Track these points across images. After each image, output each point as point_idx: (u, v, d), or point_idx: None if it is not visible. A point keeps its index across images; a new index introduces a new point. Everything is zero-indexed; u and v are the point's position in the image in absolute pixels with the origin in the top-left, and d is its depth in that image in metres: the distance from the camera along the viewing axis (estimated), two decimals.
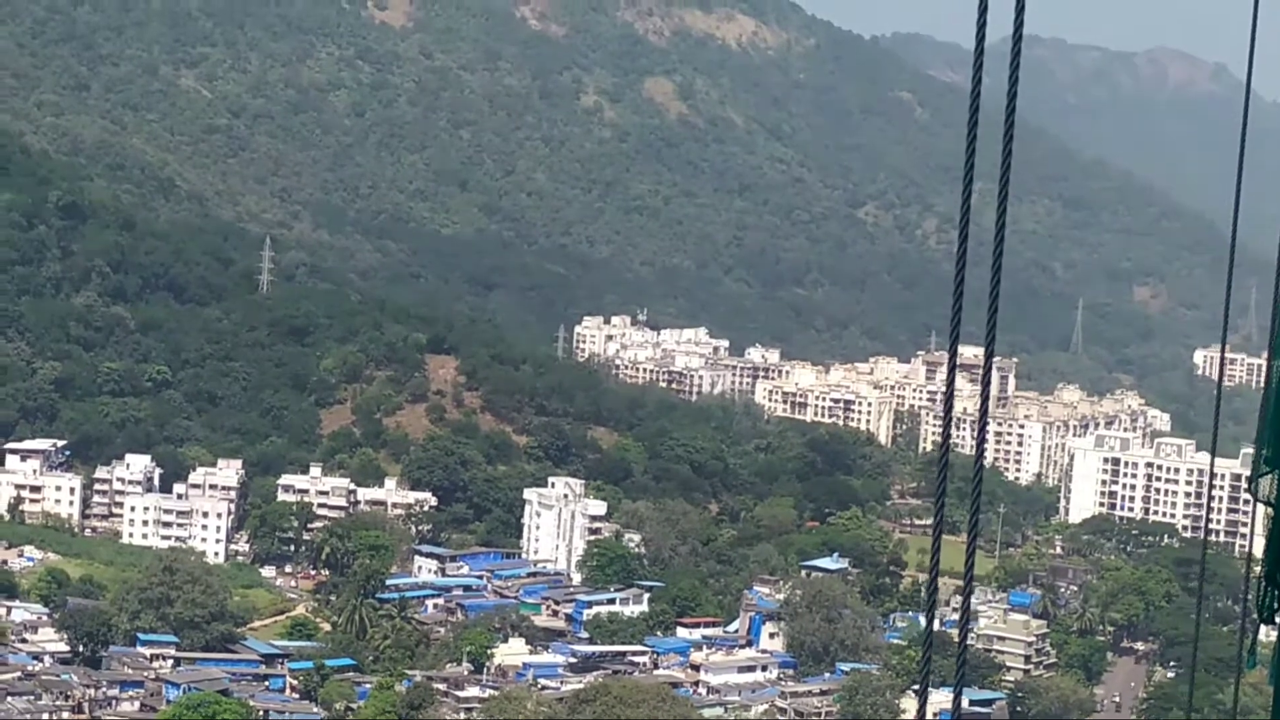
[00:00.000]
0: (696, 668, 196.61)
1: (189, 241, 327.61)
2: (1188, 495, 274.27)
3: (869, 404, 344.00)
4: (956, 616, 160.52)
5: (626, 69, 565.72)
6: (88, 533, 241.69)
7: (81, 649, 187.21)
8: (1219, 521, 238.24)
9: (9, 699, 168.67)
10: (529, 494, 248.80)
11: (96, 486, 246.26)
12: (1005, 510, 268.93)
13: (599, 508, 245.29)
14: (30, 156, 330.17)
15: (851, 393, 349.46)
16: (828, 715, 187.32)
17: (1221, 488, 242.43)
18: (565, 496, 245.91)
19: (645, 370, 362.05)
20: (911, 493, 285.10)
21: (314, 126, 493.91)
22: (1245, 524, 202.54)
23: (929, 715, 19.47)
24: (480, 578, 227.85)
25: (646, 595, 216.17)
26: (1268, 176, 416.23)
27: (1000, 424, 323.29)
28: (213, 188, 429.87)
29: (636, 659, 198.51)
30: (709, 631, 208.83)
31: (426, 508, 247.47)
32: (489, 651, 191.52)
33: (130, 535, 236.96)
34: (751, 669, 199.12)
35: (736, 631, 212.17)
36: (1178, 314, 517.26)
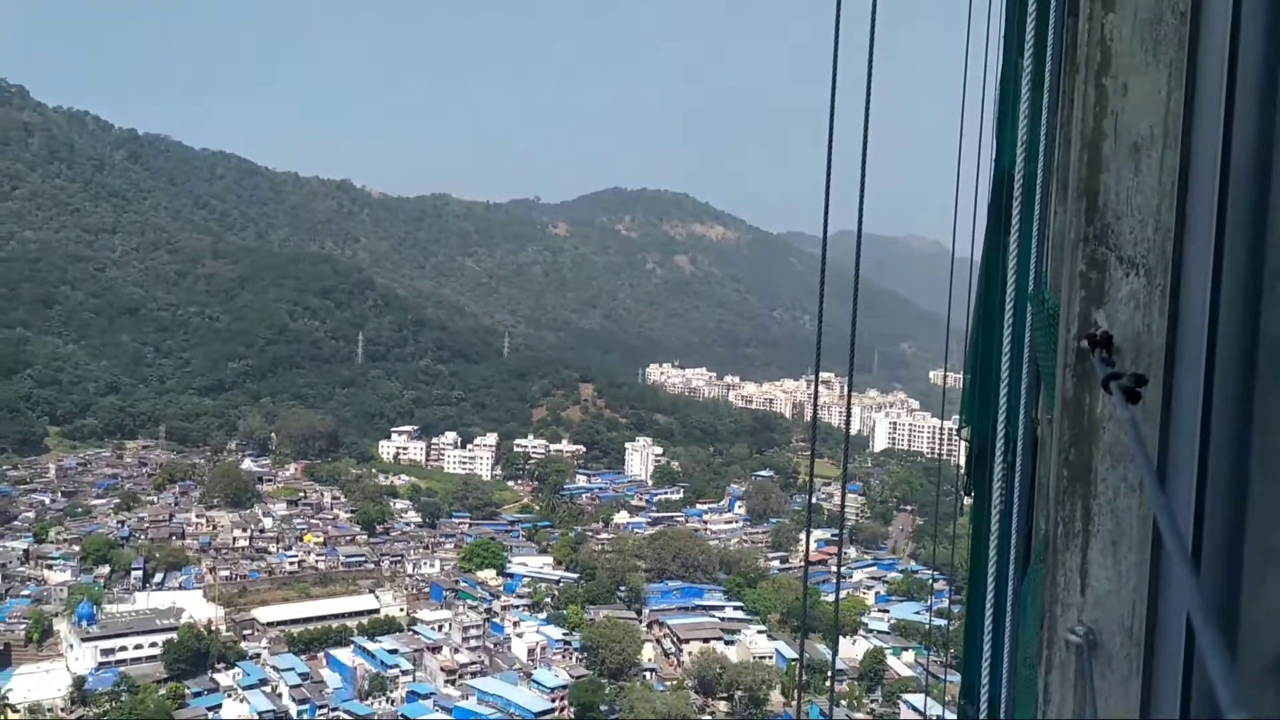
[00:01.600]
0: (705, 523, 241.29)
1: (472, 335, 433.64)
2: (929, 439, 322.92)
3: (781, 400, 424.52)
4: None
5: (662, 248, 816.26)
6: (429, 467, 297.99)
7: (425, 519, 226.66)
8: (947, 451, 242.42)
9: (396, 544, 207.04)
10: (628, 444, 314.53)
11: (431, 447, 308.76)
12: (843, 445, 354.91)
13: (658, 450, 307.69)
14: (399, 298, 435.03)
15: (772, 395, 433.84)
16: (766, 544, 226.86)
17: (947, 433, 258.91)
18: (643, 445, 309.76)
19: (675, 388, 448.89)
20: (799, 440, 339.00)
21: (527, 281, 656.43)
22: (955, 450, 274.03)
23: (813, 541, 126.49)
24: (605, 484, 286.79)
25: (681, 490, 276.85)
26: None
27: (840, 407, 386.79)
28: (484, 310, 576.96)
29: (678, 519, 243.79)
30: (710, 505, 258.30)
31: (581, 453, 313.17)
32: (610, 517, 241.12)
33: (447, 468, 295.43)
34: (731, 524, 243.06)
35: (723, 505, 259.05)
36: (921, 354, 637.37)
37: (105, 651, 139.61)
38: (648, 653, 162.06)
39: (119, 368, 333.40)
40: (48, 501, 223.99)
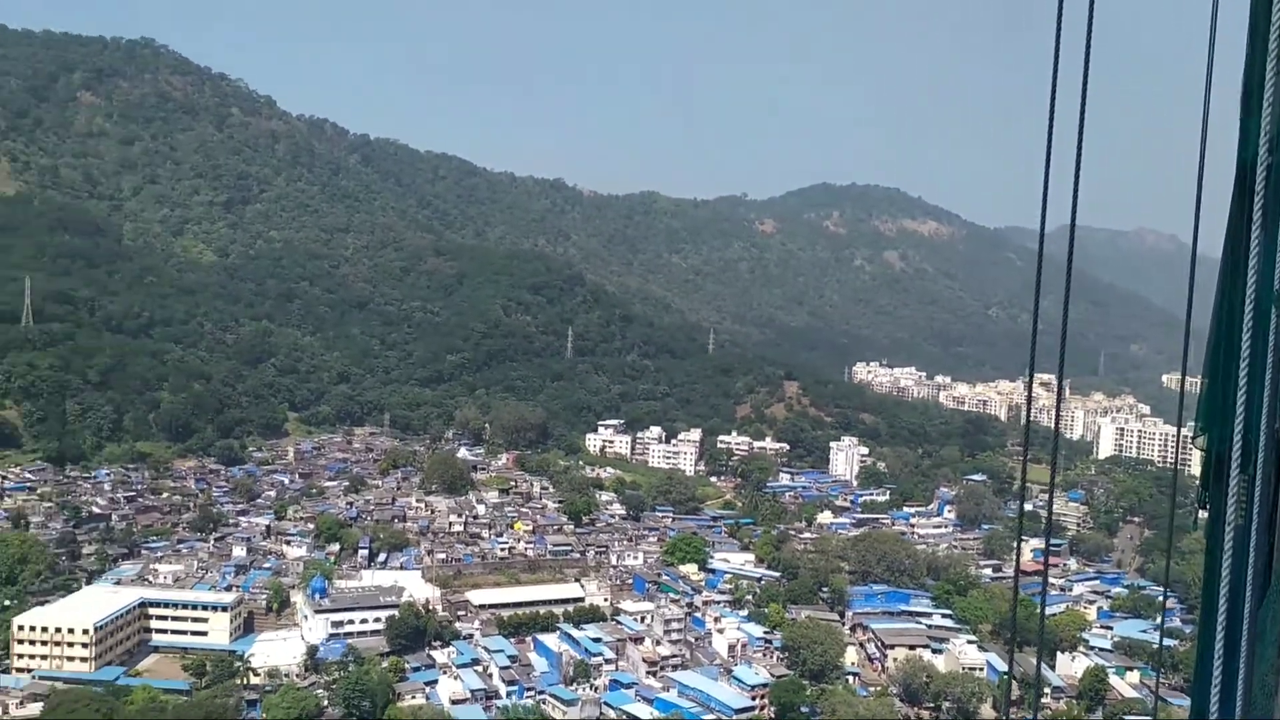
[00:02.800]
0: (912, 526, 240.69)
1: (677, 331, 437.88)
2: (1161, 447, 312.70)
3: (995, 402, 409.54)
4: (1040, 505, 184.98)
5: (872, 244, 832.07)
6: (633, 461, 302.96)
7: (629, 512, 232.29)
8: (1182, 460, 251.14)
9: (601, 534, 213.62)
10: (833, 443, 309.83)
11: (636, 441, 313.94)
12: (1064, 451, 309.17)
13: (864, 450, 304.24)
14: (607, 294, 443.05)
15: (986, 396, 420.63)
16: (977, 551, 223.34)
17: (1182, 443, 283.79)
18: (848, 444, 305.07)
19: (883, 387, 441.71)
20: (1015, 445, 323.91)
21: (733, 278, 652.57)
22: (1188, 460, 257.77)
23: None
24: (809, 483, 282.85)
25: (888, 491, 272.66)
26: None
27: (1063, 410, 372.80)
28: (689, 307, 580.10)
29: (884, 521, 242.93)
30: (917, 508, 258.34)
31: (785, 450, 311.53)
32: (814, 516, 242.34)
33: (652, 462, 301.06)
34: (940, 528, 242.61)
35: (931, 509, 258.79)
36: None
37: (335, 624, 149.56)
38: (850, 656, 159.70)
39: (349, 358, 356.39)
40: (286, 482, 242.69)
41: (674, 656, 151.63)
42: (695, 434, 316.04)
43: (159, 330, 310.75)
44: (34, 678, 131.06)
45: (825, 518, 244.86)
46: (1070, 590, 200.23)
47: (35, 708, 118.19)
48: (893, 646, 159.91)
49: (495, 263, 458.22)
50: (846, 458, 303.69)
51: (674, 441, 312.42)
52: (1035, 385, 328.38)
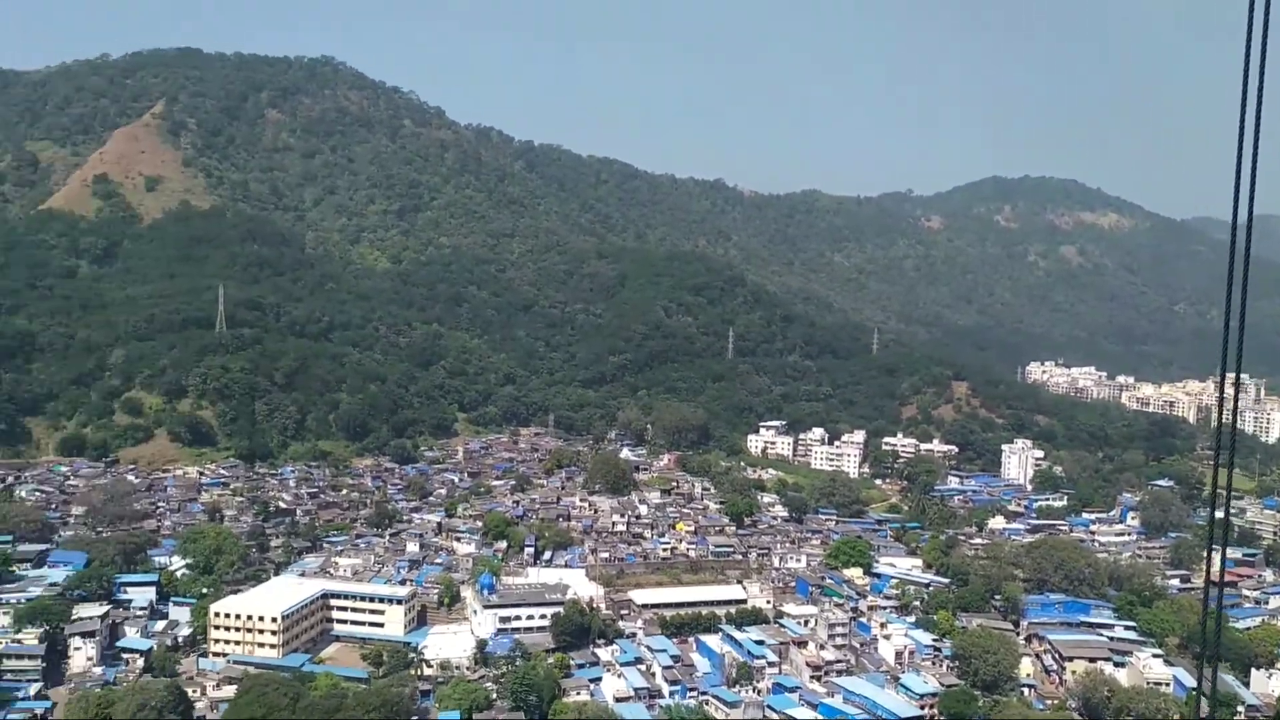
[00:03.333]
0: (1092, 533, 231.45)
1: (840, 331, 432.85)
2: None
3: (1183, 403, 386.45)
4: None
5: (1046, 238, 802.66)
6: (795, 462, 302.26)
7: (791, 514, 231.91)
8: None
9: (763, 536, 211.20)
10: (1005, 446, 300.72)
11: (798, 442, 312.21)
12: (1260, 456, 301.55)
13: (1039, 453, 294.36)
14: (768, 294, 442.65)
15: (1173, 397, 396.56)
16: (1163, 560, 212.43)
17: None
18: (1022, 447, 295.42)
19: (1059, 387, 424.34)
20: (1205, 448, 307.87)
21: (898, 276, 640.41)
22: None
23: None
24: (979, 487, 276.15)
25: (1065, 496, 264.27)
26: None
27: (1257, 412, 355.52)
28: (852, 306, 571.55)
29: (1061, 528, 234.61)
30: (1098, 514, 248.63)
31: (953, 453, 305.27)
32: (985, 521, 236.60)
33: (814, 464, 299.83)
34: (1122, 536, 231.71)
35: (1113, 515, 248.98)
36: None
37: (503, 619, 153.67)
38: (1025, 667, 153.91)
39: (515, 360, 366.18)
40: (456, 480, 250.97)
41: (839, 661, 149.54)
42: (859, 435, 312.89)
43: (338, 334, 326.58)
44: (229, 661, 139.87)
45: (997, 523, 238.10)
46: (1266, 603, 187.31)
47: (230, 690, 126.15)
48: (1071, 659, 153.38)
49: (656, 264, 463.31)
50: (1020, 461, 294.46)
51: (837, 443, 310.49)
52: (1229, 385, 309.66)
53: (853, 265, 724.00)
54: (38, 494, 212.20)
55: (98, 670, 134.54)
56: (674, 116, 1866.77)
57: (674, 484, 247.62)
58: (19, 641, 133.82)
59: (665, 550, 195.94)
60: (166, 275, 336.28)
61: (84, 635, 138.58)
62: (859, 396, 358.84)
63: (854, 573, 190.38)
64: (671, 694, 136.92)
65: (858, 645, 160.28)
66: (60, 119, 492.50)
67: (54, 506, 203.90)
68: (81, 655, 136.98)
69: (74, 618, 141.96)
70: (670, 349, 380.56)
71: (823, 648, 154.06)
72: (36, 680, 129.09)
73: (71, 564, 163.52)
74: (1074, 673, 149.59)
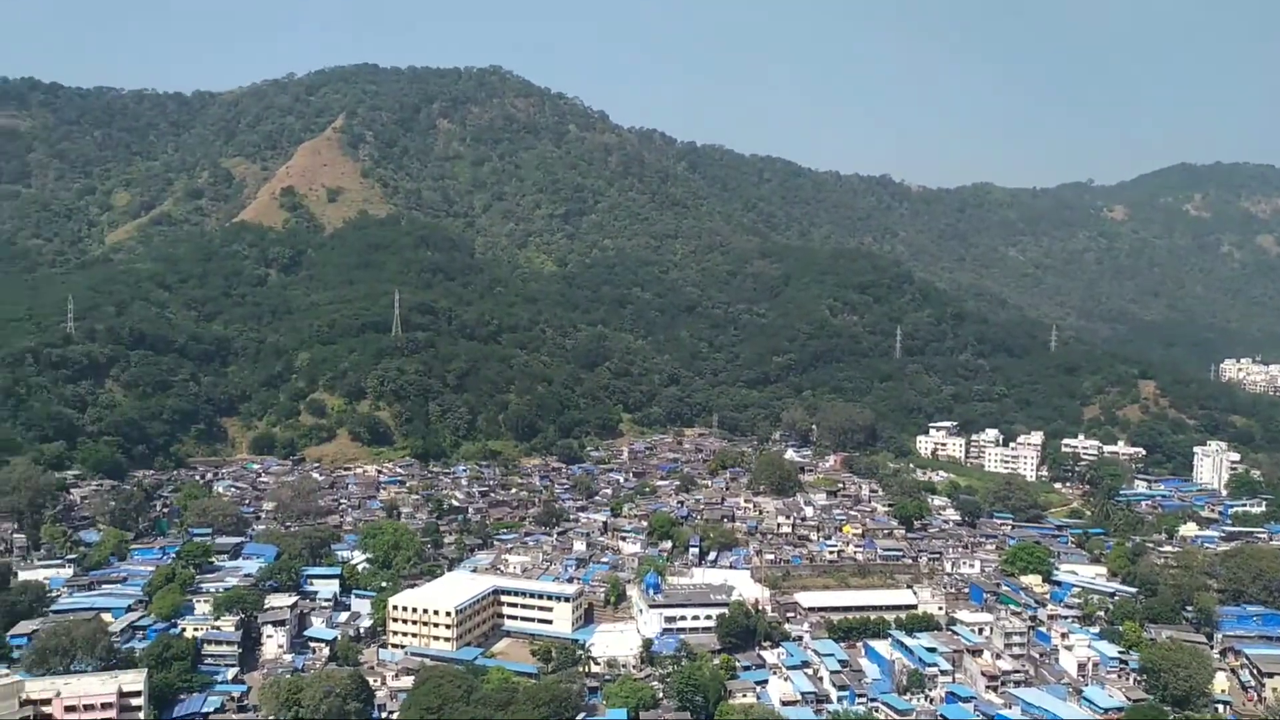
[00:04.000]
0: None
1: (1015, 328, 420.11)
2: None
3: None
4: None
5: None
6: (968, 464, 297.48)
7: (964, 518, 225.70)
8: None
9: (934, 540, 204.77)
10: (1197, 449, 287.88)
11: (971, 443, 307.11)
12: None
13: (1234, 456, 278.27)
14: (937, 292, 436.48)
15: None
16: None
17: None
18: (1216, 449, 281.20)
19: (1256, 386, 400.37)
20: None
21: (1077, 271, 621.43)
22: None
23: None
24: (1169, 492, 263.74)
25: (1264, 502, 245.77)
26: None
27: None
28: (1028, 302, 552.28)
29: (1259, 535, 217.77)
30: None
31: (1140, 456, 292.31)
32: (1175, 528, 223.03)
33: (988, 466, 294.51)
34: None
35: None
36: None
37: (669, 619, 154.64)
38: (1220, 683, 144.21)
39: (679, 361, 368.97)
40: (621, 480, 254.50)
41: (1016, 672, 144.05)
42: (1036, 437, 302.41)
43: (506, 336, 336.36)
44: (407, 653, 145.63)
45: (1189, 530, 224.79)
46: None
47: (408, 680, 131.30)
48: (1272, 674, 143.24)
49: (821, 263, 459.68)
50: (1213, 464, 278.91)
51: (1012, 445, 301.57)
52: None
53: (1028, 260, 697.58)
54: (233, 490, 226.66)
55: (288, 657, 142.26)
56: (838, 112, 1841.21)
57: (840, 485, 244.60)
58: (218, 628, 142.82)
59: (832, 553, 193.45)
60: (346, 281, 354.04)
61: (275, 624, 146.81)
62: (1036, 396, 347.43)
63: (1032, 580, 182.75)
64: (840, 699, 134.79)
65: (1036, 655, 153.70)
66: (251, 136, 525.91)
67: (247, 502, 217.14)
68: (273, 643, 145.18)
69: (266, 607, 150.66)
70: (835, 348, 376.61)
71: (999, 657, 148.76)
72: (233, 665, 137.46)
73: (263, 556, 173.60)
74: (1275, 690, 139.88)
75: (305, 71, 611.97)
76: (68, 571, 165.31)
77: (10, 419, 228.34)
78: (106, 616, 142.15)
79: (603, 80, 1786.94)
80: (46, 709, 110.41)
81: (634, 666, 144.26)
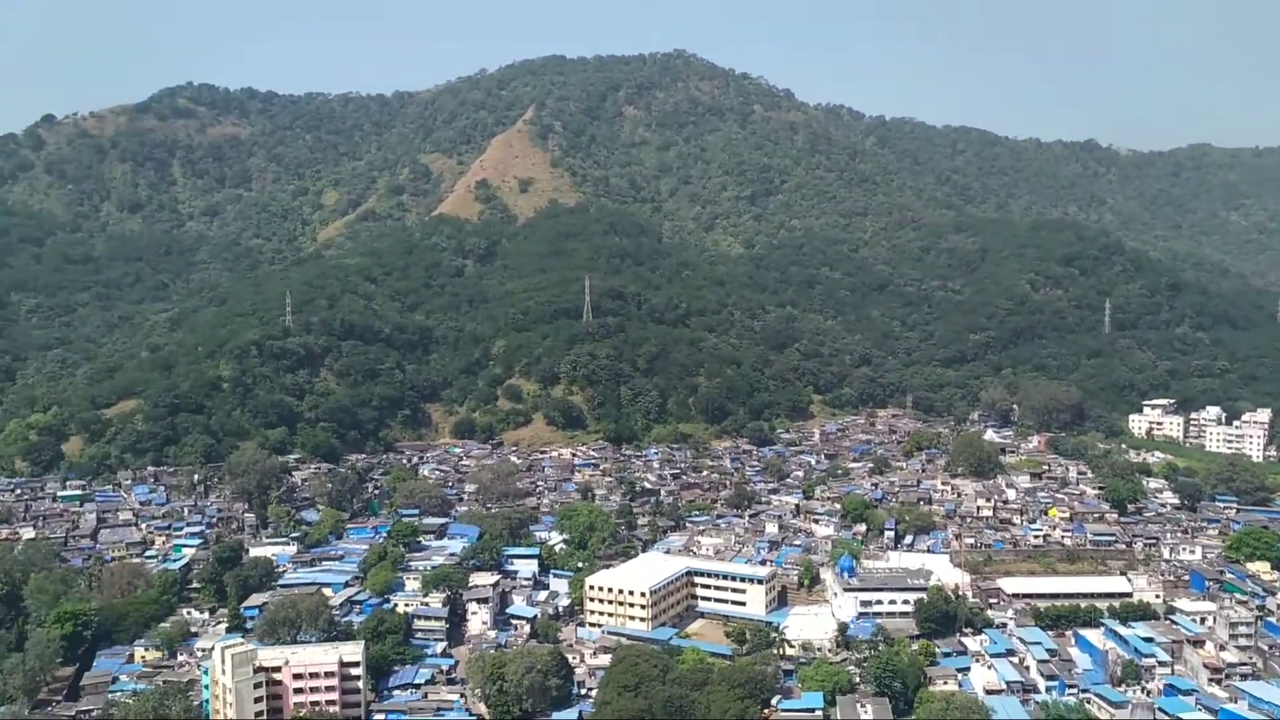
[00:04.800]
0: None
1: (1238, 298, 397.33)
2: None
3: None
4: None
5: None
6: (1187, 444, 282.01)
7: (1183, 501, 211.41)
8: None
9: (1150, 525, 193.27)
10: None
11: (1189, 422, 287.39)
12: None
13: None
14: (1150, 262, 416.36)
15: None
16: None
17: None
18: None
19: None
20: None
21: None
22: None
23: None
24: None
25: None
26: None
27: None
28: (1253, 270, 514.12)
29: None
30: None
31: None
32: None
33: (1209, 446, 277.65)
34: None
35: None
36: None
37: (864, 603, 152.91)
38: None
39: (870, 341, 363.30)
40: (813, 462, 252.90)
41: (1243, 664, 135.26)
42: (1263, 414, 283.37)
43: (695, 320, 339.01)
44: (604, 632, 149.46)
45: None
46: None
47: (605, 658, 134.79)
48: None
49: (1020, 235, 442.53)
50: None
51: (1237, 423, 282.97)
52: None
53: (1252, 224, 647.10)
54: (438, 472, 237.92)
55: (491, 633, 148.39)
56: (1037, 76, 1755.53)
57: (1045, 467, 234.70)
58: (426, 604, 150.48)
59: (1037, 537, 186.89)
60: (539, 270, 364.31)
61: (479, 601, 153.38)
62: (1264, 371, 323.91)
63: (1259, 567, 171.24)
64: (1048, 689, 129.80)
65: (1265, 648, 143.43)
66: (447, 132, 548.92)
67: (450, 484, 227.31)
68: (477, 619, 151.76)
69: (470, 585, 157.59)
70: (1037, 324, 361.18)
71: (1223, 648, 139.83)
72: (441, 640, 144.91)
73: (467, 536, 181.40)
74: None
75: (496, 66, 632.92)
76: (292, 549, 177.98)
77: (239, 407, 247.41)
78: (327, 591, 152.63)
79: (788, 59, 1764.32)
80: (276, 675, 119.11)
81: (829, 650, 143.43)
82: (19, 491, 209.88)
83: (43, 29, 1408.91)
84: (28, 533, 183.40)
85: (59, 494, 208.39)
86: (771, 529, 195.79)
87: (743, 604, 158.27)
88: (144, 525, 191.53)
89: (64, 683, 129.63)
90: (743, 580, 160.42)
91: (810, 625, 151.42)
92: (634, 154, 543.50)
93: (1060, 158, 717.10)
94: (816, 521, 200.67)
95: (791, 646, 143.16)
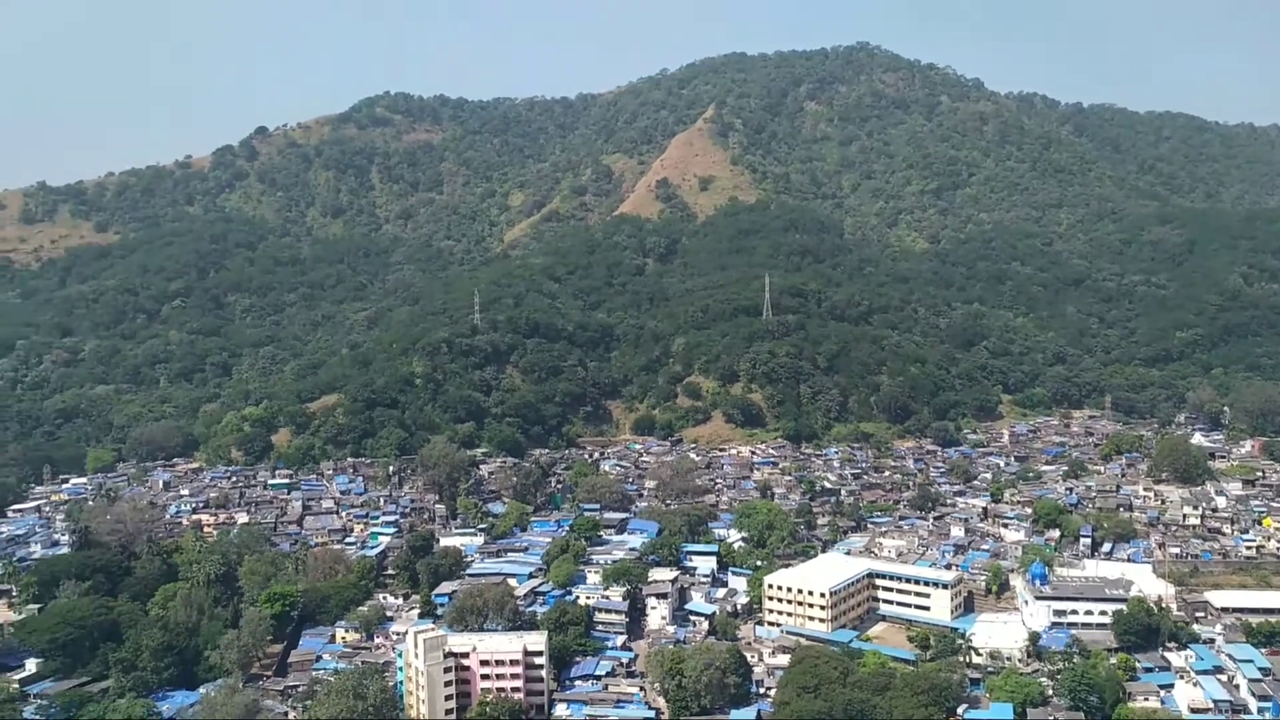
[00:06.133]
0: None
1: None
2: None
3: None
4: None
5: None
6: None
7: None
8: None
9: None
10: None
11: None
12: None
13: None
14: None
15: None
16: None
17: None
18: None
19: None
20: None
21: None
22: None
23: None
24: None
25: None
26: None
27: None
28: None
29: None
30: None
31: None
32: None
33: None
34: None
35: None
36: None
37: (1057, 612, 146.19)
38: None
39: (1065, 338, 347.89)
40: (1002, 464, 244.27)
41: None
42: None
43: (877, 317, 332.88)
44: (783, 631, 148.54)
45: None
46: None
47: (784, 658, 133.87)
48: None
49: (1232, 226, 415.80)
50: None
51: None
52: None
53: None
54: (618, 468, 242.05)
55: (670, 629, 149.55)
56: (1251, 57, 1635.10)
57: (1259, 474, 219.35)
58: (607, 598, 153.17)
59: (1249, 548, 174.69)
60: (718, 268, 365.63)
61: (658, 596, 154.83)
62: None
63: None
64: (1260, 710, 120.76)
65: None
66: (628, 133, 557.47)
67: (630, 480, 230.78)
68: (656, 614, 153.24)
69: (650, 580, 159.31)
70: (1252, 321, 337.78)
71: None
72: (621, 633, 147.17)
73: (646, 532, 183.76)
74: None
75: (677, 66, 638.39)
76: (479, 539, 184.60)
77: (430, 402, 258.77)
78: (512, 581, 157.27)
79: (978, 47, 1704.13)
80: (465, 661, 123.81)
81: (1019, 660, 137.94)
82: (234, 479, 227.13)
83: (257, 45, 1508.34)
84: (242, 517, 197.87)
85: (269, 482, 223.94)
86: (957, 532, 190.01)
87: (927, 608, 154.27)
88: (344, 513, 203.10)
89: (273, 659, 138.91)
90: (927, 584, 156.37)
91: (999, 633, 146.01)
92: (815, 150, 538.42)
93: (1277, 143, 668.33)
94: (1005, 526, 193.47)
95: (979, 655, 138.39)
